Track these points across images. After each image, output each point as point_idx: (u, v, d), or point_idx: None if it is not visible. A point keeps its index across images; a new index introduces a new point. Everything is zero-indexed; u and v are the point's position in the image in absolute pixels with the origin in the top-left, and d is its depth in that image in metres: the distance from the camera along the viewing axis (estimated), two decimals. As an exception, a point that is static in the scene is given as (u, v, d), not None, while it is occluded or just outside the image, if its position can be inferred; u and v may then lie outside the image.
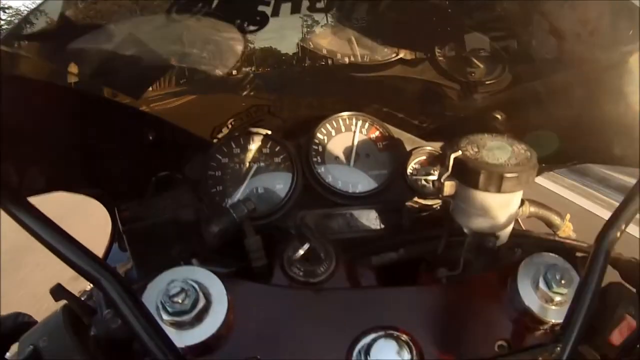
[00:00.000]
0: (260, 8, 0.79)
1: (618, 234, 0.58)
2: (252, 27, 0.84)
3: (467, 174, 0.71)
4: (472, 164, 0.70)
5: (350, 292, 0.70)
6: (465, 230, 0.77)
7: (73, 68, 0.70)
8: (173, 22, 0.75)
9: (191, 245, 0.78)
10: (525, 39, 0.81)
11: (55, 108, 0.73)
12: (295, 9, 0.81)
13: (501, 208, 0.74)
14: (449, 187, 0.74)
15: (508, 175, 0.68)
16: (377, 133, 0.99)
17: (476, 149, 0.73)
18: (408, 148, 0.99)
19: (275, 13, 0.80)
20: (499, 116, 0.99)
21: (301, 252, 0.70)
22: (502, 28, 0.81)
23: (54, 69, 0.68)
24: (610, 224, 0.59)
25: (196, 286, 0.57)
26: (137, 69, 0.81)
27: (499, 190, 0.69)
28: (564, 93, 0.87)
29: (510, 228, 0.78)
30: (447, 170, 0.73)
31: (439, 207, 0.96)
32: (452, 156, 0.72)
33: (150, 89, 0.88)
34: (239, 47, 0.89)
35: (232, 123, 1.02)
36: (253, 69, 0.94)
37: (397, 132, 1.00)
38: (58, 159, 0.78)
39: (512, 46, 0.86)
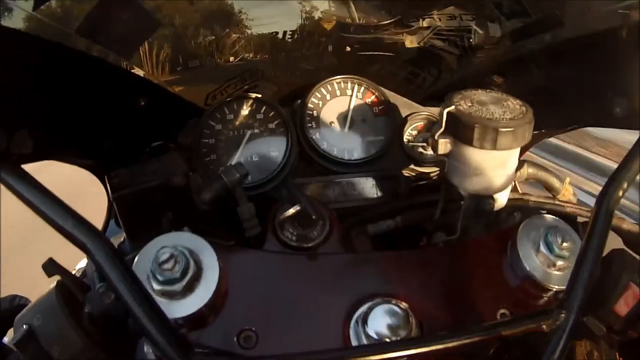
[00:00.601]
0: None
1: (620, 194, 0.57)
2: None
3: (461, 130, 0.69)
4: (465, 119, 0.68)
5: (345, 258, 0.69)
6: (462, 193, 0.75)
7: (55, 21, 0.67)
8: None
9: (183, 213, 0.76)
10: None
11: (41, 66, 0.71)
12: None
13: (498, 167, 0.72)
14: (443, 145, 0.72)
15: (503, 129, 0.66)
16: (373, 97, 0.97)
17: (470, 104, 0.71)
18: (404, 113, 0.96)
19: None
20: (497, 79, 0.97)
21: (292, 211, 0.68)
22: None
23: (41, 22, 0.65)
24: (611, 184, 0.57)
25: (186, 252, 0.55)
26: (128, 27, 0.78)
27: (494, 146, 0.67)
28: (563, 53, 0.84)
29: (508, 191, 0.77)
30: (441, 126, 0.71)
31: (436, 175, 0.94)
32: (445, 111, 0.69)
33: (142, 51, 0.85)
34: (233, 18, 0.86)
35: (226, 89, 1.00)
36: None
37: (393, 97, 0.97)
38: (46, 124, 0.76)
39: (511, 6, 0.83)
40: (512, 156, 0.72)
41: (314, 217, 0.68)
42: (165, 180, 0.75)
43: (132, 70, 0.85)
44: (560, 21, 0.77)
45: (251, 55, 0.95)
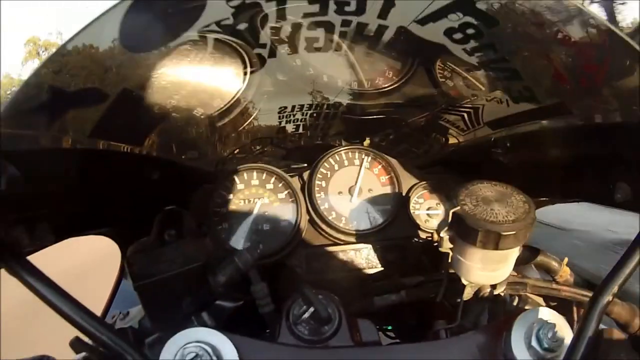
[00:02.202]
0: (257, 51, 0.77)
1: (610, 298, 0.60)
2: (249, 69, 0.82)
3: (465, 231, 0.72)
4: (470, 221, 0.71)
5: (354, 351, 0.73)
6: (464, 282, 0.79)
7: (72, 132, 0.71)
8: (167, 69, 0.74)
9: (200, 295, 0.81)
10: (529, 83, 0.79)
11: (59, 169, 0.74)
12: (293, 49, 0.79)
13: (499, 262, 0.75)
14: (447, 242, 0.76)
15: (506, 233, 0.69)
16: (380, 167, 1.00)
17: (475, 202, 0.74)
18: (411, 182, 0.99)
19: (272, 55, 0.79)
20: (501, 149, 0.99)
21: (306, 315, 0.73)
22: (507, 69, 0.78)
23: (55, 137, 0.68)
24: (605, 287, 0.60)
25: (209, 350, 0.60)
26: (135, 119, 0.81)
27: (496, 247, 0.70)
28: (568, 135, 0.86)
29: (507, 277, 0.80)
30: (446, 225, 0.75)
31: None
32: (451, 212, 0.73)
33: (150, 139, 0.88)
34: (236, 87, 0.88)
35: (237, 155, 1.03)
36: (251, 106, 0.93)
37: (399, 166, 1.00)
38: (64, 212, 0.80)
39: (517, 88, 0.84)
40: (514, 252, 0.75)
41: (325, 316, 0.73)
42: (184, 269, 0.80)
43: (143, 152, 0.89)
44: (568, 110, 0.79)
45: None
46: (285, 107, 0.95)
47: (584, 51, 0.64)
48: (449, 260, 0.80)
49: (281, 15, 0.66)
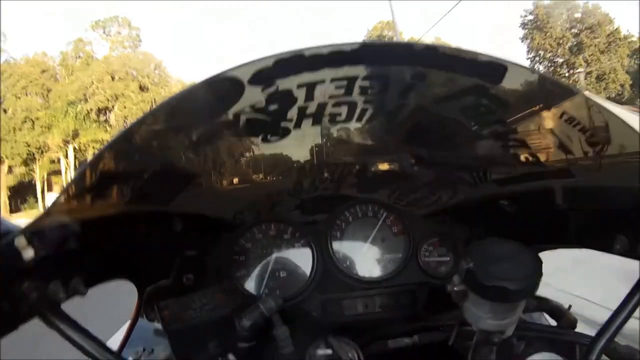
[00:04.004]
0: (283, 124, 0.84)
1: (609, 341, 0.67)
2: (274, 138, 0.89)
3: (477, 286, 0.79)
4: (481, 278, 0.77)
5: None
6: (474, 329, 0.85)
7: (116, 199, 0.78)
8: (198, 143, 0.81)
9: (227, 338, 0.87)
10: (533, 150, 0.86)
11: (94, 230, 0.80)
12: (317, 122, 0.86)
13: (508, 312, 0.81)
14: (460, 295, 0.82)
15: (514, 288, 0.75)
16: (392, 218, 1.07)
17: (485, 259, 0.81)
18: (421, 231, 1.06)
19: (297, 126, 0.86)
20: (507, 202, 1.06)
21: (325, 355, 0.79)
22: (515, 139, 0.85)
23: (102, 205, 0.75)
24: (603, 331, 0.67)
25: None
26: (167, 184, 0.88)
27: (506, 301, 0.77)
28: (570, 193, 0.92)
29: (515, 323, 0.87)
30: (460, 280, 0.81)
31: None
32: (465, 268, 0.79)
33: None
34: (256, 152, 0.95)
35: (256, 205, 1.09)
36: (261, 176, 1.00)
37: (410, 216, 1.07)
38: (95, 266, 0.85)
39: (521, 154, 0.91)
40: (522, 303, 0.82)
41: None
42: (213, 317, 0.86)
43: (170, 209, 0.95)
44: (571, 174, 0.86)
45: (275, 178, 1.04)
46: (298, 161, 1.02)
47: (586, 130, 0.72)
48: (461, 308, 0.86)
49: (309, 98, 0.73)
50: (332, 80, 0.69)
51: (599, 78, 28.42)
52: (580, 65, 27.55)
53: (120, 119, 31.25)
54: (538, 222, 0.89)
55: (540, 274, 0.78)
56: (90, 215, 0.73)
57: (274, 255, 1.03)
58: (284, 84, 0.66)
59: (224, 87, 0.66)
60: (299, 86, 0.68)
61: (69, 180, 0.65)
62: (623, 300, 0.73)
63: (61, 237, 0.66)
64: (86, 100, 30.75)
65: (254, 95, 0.69)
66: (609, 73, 28.07)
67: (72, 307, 0.67)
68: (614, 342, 0.89)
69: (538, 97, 0.71)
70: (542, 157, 0.87)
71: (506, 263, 0.79)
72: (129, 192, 0.80)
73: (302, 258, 1.04)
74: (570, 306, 0.94)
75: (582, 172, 0.84)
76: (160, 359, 1.00)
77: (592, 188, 0.86)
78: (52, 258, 0.62)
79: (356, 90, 0.72)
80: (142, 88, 33.01)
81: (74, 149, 30.74)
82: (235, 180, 1.02)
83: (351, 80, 0.69)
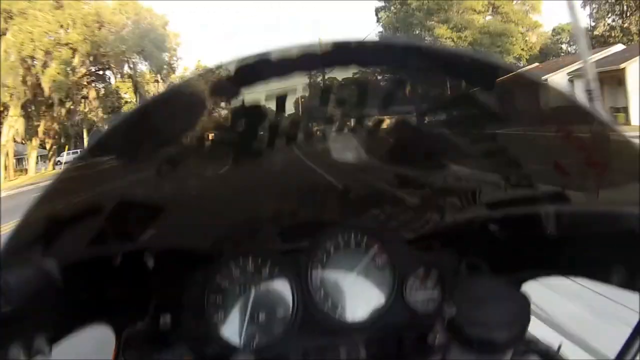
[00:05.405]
0: (254, 145, 0.77)
1: None
2: (245, 160, 0.82)
3: (461, 337, 0.74)
4: (466, 329, 0.72)
5: None
6: None
7: (72, 251, 0.71)
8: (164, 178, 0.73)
9: None
10: (526, 171, 0.80)
11: (59, 282, 0.71)
12: (291, 140, 0.79)
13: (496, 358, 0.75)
14: (444, 347, 0.78)
15: (501, 339, 0.71)
16: (376, 247, 0.98)
17: (470, 305, 0.75)
18: (407, 263, 0.98)
19: (270, 145, 0.78)
20: (497, 227, 0.99)
21: None
22: (505, 159, 0.79)
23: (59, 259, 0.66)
24: None
25: None
26: (126, 220, 0.79)
27: (493, 352, 0.72)
28: (565, 219, 0.86)
29: None
30: (442, 328, 0.78)
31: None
32: (447, 317, 0.75)
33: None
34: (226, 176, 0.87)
35: (233, 234, 1.01)
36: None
37: (395, 244, 0.99)
38: (59, 321, 0.76)
39: (513, 175, 0.85)
40: (509, 349, 0.74)
41: None
42: None
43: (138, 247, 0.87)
44: (566, 198, 0.80)
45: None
46: None
47: (588, 149, 0.66)
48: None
49: (280, 110, 0.66)
50: (305, 88, 0.63)
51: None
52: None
53: (13, 48, 22.02)
54: (531, 249, 0.84)
55: (529, 318, 0.74)
56: (46, 266, 0.65)
57: (252, 296, 0.94)
58: (250, 95, 0.58)
59: (182, 101, 0.58)
60: (268, 97, 0.61)
61: (14, 231, 0.55)
62: (628, 338, 0.67)
63: (15, 294, 0.57)
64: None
65: (217, 111, 0.62)
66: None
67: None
68: None
69: (533, 108, 0.64)
70: (536, 179, 0.80)
71: (491, 307, 0.74)
72: (87, 235, 0.72)
73: (281, 298, 0.95)
74: (560, 346, 0.86)
75: (579, 196, 0.78)
76: None
77: (590, 213, 0.80)
78: (8, 319, 0.55)
79: (332, 100, 0.65)
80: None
81: None
82: (208, 210, 0.94)
83: (326, 88, 0.63)
